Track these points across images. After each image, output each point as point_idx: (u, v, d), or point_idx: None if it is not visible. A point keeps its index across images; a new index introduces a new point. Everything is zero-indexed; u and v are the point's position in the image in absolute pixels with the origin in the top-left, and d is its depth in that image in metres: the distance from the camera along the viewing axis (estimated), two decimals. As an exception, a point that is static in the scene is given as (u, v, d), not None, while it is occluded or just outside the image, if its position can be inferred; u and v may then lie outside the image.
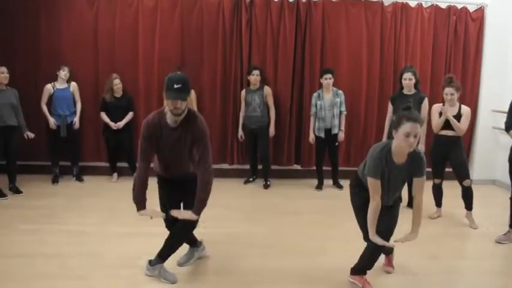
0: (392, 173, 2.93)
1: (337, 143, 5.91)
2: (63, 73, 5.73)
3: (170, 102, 2.94)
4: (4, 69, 5.10)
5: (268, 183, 6.08)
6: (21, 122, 5.30)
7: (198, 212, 3.11)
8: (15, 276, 3.28)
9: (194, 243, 3.65)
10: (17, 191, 5.33)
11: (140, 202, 3.12)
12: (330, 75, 5.73)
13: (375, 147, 2.98)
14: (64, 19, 6.08)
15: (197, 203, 3.10)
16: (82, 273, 3.38)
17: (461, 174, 4.67)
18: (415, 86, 5.06)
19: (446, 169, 4.84)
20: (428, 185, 4.88)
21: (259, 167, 6.25)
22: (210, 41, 6.22)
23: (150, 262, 3.35)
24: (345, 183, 5.98)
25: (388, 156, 2.89)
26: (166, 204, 3.33)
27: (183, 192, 3.29)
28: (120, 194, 5.36)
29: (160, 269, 3.31)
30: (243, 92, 6.06)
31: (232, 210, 5.02)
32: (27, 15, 6.01)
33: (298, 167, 6.58)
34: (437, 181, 4.89)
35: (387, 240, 3.07)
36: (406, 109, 2.82)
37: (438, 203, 4.96)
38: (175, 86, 2.91)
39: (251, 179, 6.29)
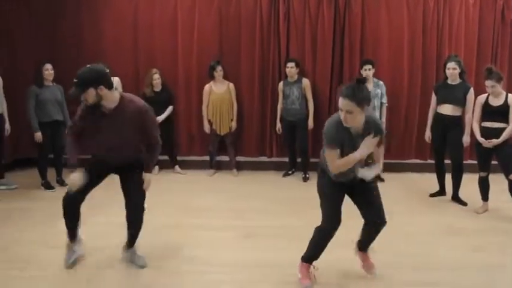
0: (353, 140, 2.81)
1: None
2: None
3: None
4: (49, 66, 5.27)
5: (307, 176, 6.03)
6: (65, 117, 5.48)
7: (150, 170, 3.29)
8: (61, 266, 3.41)
9: (74, 238, 3.47)
10: (63, 184, 5.53)
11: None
12: (370, 66, 5.61)
13: (328, 121, 2.88)
14: (105, 16, 6.23)
15: (147, 165, 3.29)
16: (124, 263, 3.47)
17: (507, 167, 4.49)
18: (460, 75, 4.89)
19: (493, 162, 4.66)
20: (474, 179, 4.76)
21: (298, 159, 6.22)
22: (248, 33, 6.22)
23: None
24: (386, 176, 5.92)
25: (342, 125, 2.76)
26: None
27: (123, 177, 3.35)
28: (161, 186, 5.46)
29: (132, 254, 3.42)
30: (281, 84, 6.03)
31: (270, 203, 5.02)
32: (70, 14, 6.21)
33: (337, 159, 6.49)
34: (483, 174, 4.71)
35: (384, 215, 3.04)
36: (356, 82, 2.70)
37: (485, 197, 4.77)
38: (74, 80, 2.94)
39: (290, 172, 6.27)
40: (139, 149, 3.30)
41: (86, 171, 3.28)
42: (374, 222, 3.09)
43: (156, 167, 6.28)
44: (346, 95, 2.65)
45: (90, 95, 2.97)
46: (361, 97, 2.66)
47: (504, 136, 4.43)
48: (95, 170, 3.31)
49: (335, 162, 2.81)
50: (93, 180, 3.32)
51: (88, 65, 3.08)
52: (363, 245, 3.29)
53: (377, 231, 3.14)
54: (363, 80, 2.72)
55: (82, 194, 3.29)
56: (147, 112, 3.21)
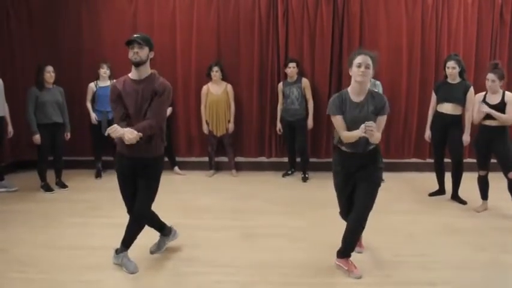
0: (354, 110, 3.13)
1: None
2: (103, 71, 5.87)
3: (130, 50, 3.36)
4: (50, 68, 5.26)
5: (307, 176, 6.04)
6: (65, 120, 5.47)
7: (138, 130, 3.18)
8: (63, 267, 3.41)
9: (163, 230, 3.66)
10: (63, 186, 5.53)
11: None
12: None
13: (333, 95, 3.30)
14: (104, 18, 6.24)
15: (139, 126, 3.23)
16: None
17: (506, 166, 4.49)
18: (460, 74, 4.89)
19: (492, 160, 4.66)
20: (473, 177, 4.76)
21: (298, 159, 6.22)
22: (247, 33, 6.23)
23: (117, 251, 3.42)
24: (386, 175, 5.85)
25: (346, 96, 3.17)
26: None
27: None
28: (160, 187, 5.45)
29: (123, 258, 3.37)
30: (280, 84, 6.04)
31: (270, 203, 5.02)
32: (70, 16, 6.21)
33: (336, 159, 6.49)
34: (482, 173, 4.71)
35: (363, 218, 3.20)
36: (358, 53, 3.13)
37: (484, 196, 4.77)
38: (134, 36, 3.33)
39: (289, 172, 6.27)
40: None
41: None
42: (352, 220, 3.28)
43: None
44: (365, 53, 3.10)
45: (145, 53, 3.39)
46: (372, 54, 3.12)
47: (499, 115, 4.40)
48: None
49: (342, 131, 3.17)
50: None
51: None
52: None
53: (350, 231, 3.30)
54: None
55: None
56: (169, 92, 3.43)
